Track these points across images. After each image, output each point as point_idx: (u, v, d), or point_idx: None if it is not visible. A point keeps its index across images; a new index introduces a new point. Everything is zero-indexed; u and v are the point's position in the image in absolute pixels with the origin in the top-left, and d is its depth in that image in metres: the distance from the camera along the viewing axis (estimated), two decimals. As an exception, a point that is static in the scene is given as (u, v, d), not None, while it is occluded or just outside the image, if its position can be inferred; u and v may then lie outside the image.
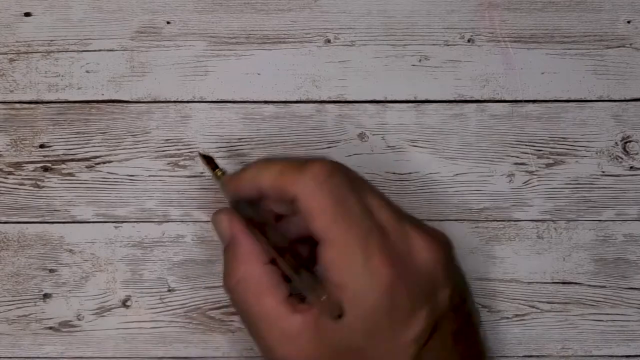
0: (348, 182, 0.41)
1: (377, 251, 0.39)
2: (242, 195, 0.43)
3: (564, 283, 0.50)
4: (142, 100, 0.49)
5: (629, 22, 0.49)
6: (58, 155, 0.49)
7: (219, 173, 0.44)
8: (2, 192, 0.49)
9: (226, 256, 0.42)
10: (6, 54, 0.49)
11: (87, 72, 0.49)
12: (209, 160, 0.45)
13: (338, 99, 0.49)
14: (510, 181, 0.49)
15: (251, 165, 0.42)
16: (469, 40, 0.49)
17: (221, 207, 0.49)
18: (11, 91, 0.49)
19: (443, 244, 0.42)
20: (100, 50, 0.49)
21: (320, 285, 0.40)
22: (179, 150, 0.49)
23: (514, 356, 0.49)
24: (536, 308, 0.50)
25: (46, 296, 0.49)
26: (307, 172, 0.40)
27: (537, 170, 0.49)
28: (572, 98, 0.49)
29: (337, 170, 0.41)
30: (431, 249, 0.41)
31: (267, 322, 0.41)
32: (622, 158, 0.49)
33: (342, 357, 0.40)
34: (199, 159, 0.48)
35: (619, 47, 0.49)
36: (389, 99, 0.49)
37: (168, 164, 0.49)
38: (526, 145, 0.49)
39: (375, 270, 0.39)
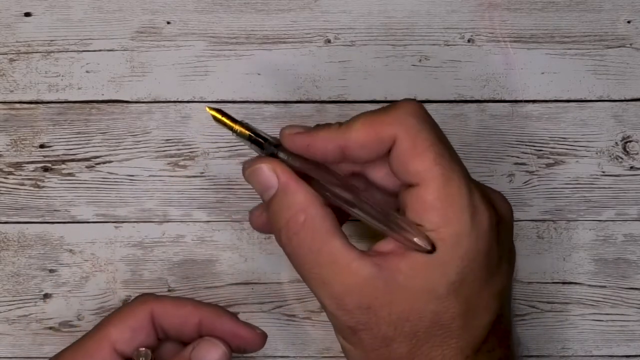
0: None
1: (477, 193, 0.37)
2: (312, 154, 0.39)
3: (564, 283, 0.50)
4: (142, 100, 0.49)
5: (629, 22, 0.49)
6: (58, 155, 0.49)
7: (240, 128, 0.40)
8: (2, 192, 0.49)
9: (276, 206, 0.38)
10: (6, 54, 0.49)
11: (87, 72, 0.49)
12: (222, 115, 0.41)
13: (338, 99, 0.49)
14: (510, 181, 0.49)
15: (321, 126, 0.39)
16: (469, 40, 0.49)
17: (222, 204, 0.49)
18: (11, 91, 0.49)
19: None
20: (100, 50, 0.49)
21: (406, 223, 0.37)
22: (179, 150, 0.49)
23: (514, 356, 0.50)
24: (536, 308, 0.50)
25: (46, 296, 0.49)
26: (403, 110, 0.37)
27: (537, 170, 0.49)
28: (572, 98, 0.49)
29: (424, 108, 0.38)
30: (508, 203, 0.39)
31: (336, 268, 0.37)
32: (622, 158, 0.49)
33: (419, 301, 0.36)
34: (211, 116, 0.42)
35: (619, 47, 0.49)
36: (389, 99, 0.49)
37: (168, 164, 0.49)
38: (526, 145, 0.49)
39: (478, 211, 0.37)
